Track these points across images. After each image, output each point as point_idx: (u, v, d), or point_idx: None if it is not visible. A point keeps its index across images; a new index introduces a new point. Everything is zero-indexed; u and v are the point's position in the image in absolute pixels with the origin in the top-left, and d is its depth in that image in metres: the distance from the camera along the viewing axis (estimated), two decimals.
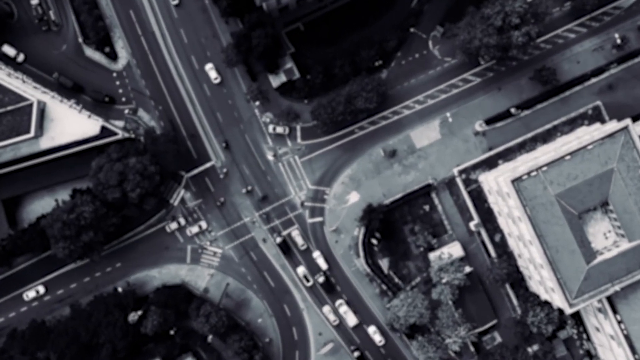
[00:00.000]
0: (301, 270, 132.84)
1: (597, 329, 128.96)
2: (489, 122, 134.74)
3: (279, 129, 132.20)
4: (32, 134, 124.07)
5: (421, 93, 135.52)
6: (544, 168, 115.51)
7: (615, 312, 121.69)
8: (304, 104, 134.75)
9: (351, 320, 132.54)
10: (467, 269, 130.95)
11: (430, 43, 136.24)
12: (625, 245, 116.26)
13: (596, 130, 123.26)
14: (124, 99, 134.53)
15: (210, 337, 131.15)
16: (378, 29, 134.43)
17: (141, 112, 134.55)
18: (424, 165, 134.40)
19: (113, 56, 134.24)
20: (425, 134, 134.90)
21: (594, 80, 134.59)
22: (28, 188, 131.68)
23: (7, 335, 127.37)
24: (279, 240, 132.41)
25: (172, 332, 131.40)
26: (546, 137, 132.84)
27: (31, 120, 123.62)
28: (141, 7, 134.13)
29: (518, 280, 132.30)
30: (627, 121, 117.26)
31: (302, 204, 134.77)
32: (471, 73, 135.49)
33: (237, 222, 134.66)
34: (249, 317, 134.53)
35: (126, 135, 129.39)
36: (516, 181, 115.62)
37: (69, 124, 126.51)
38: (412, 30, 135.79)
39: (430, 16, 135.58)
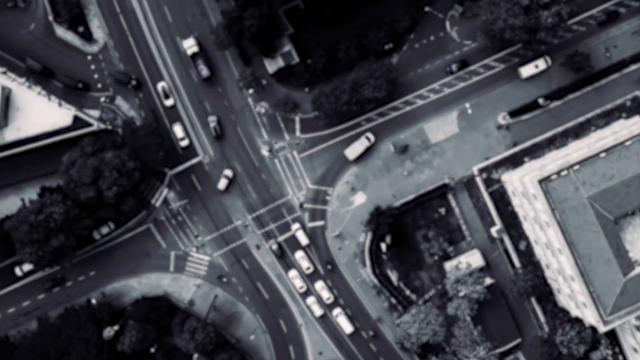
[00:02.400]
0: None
1: (635, 350, 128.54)
2: (513, 114, 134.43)
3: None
4: None
5: (437, 81, 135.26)
6: (576, 167, 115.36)
7: None
8: (303, 92, 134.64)
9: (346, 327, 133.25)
10: (488, 281, 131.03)
11: (447, 24, 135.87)
12: None
13: (635, 124, 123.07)
14: (99, 86, 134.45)
15: (195, 356, 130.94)
16: (388, 8, 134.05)
17: (119, 101, 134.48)
18: (439, 162, 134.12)
19: (88, 37, 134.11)
20: (441, 128, 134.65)
21: (633, 67, 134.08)
22: None
23: None
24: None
25: (152, 350, 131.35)
26: (578, 132, 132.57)
27: None
28: None
29: (545, 294, 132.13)
30: None
31: (301, 206, 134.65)
32: (494, 58, 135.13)
33: (227, 225, 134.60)
34: (240, 333, 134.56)
35: (102, 126, 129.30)
36: (544, 181, 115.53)
37: (37, 113, 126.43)
38: (427, 9, 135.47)
39: None
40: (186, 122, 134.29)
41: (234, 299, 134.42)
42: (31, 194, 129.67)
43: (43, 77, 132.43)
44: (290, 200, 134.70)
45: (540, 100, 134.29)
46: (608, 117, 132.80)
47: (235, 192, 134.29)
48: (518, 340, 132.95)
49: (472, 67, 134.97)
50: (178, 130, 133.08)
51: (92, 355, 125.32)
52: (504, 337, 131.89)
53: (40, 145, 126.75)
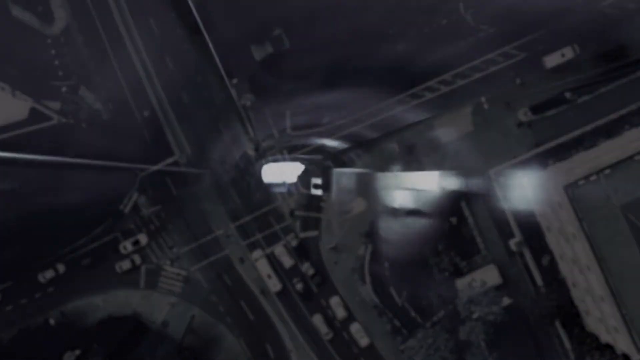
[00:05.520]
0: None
1: None
2: (536, 109, 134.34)
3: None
4: None
5: (449, 71, 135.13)
6: (607, 171, 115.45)
7: None
8: (296, 83, 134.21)
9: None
10: (506, 301, 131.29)
11: (461, 5, 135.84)
12: None
13: None
14: (61, 73, 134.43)
15: None
16: None
17: (83, 91, 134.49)
18: (450, 164, 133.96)
19: (48, 17, 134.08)
20: (453, 125, 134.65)
21: None
22: None
23: None
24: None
25: None
26: (610, 131, 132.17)
27: None
28: None
29: (572, 317, 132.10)
30: None
31: (291, 214, 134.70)
32: (514, 45, 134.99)
33: (207, 235, 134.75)
34: (220, 359, 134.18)
35: (63, 120, 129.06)
36: (570, 187, 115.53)
37: None
38: None
39: None
40: (160, 116, 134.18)
41: (214, 319, 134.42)
42: None
43: None
44: (280, 207, 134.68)
45: (567, 94, 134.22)
46: None
47: (216, 197, 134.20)
48: None
49: (490, 56, 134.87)
50: None
51: None
52: None
53: None
